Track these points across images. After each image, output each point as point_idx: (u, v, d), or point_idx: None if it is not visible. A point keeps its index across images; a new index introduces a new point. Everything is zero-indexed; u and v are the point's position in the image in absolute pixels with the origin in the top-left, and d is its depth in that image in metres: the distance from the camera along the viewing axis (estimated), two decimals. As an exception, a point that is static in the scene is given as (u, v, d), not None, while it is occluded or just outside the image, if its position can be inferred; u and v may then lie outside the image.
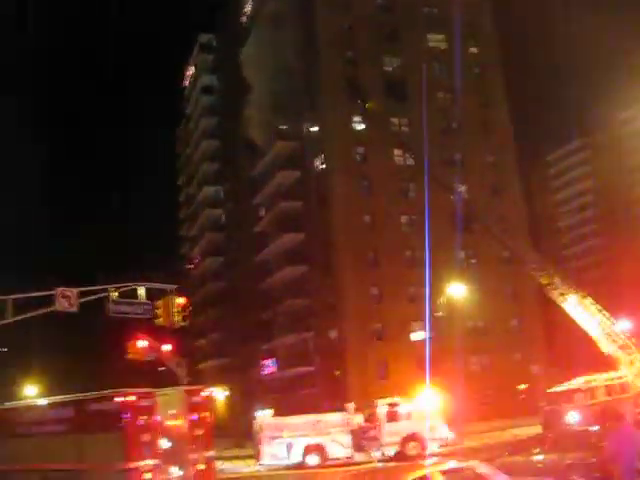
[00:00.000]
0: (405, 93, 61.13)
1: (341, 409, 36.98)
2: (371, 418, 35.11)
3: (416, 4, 63.84)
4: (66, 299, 23.79)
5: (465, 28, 64.03)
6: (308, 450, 33.72)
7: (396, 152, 59.19)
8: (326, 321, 58.08)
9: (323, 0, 61.82)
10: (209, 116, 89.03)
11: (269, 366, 66.31)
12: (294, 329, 61.80)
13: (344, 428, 34.51)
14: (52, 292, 23.76)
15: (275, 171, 65.09)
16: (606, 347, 35.56)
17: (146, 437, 19.35)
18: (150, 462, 19.18)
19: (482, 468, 12.62)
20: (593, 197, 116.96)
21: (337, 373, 56.64)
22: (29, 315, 23.78)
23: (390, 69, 62.18)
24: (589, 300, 35.98)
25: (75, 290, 24.25)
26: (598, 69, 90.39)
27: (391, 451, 34.10)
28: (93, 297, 25.62)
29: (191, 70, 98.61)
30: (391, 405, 35.20)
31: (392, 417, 34.59)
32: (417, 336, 55.93)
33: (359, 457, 34.06)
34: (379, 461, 33.65)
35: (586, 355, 39.28)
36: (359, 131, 59.42)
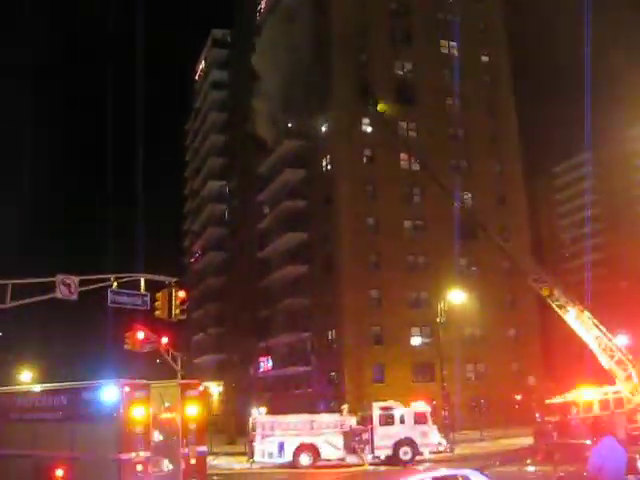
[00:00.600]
0: (415, 98, 61.19)
1: (335, 410, 36.96)
2: (365, 421, 35.06)
3: (431, 10, 63.80)
4: (66, 287, 23.74)
5: (478, 36, 64.37)
6: (300, 450, 33.65)
7: (402, 157, 59.18)
8: (325, 322, 58.09)
9: (337, 0, 61.80)
10: (218, 111, 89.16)
11: (265, 364, 66.31)
12: (292, 328, 61.82)
13: (337, 429, 34.43)
14: (53, 279, 23.72)
15: (281, 169, 65.14)
16: (604, 361, 35.54)
17: (139, 429, 19.31)
18: (142, 454, 19.14)
19: (475, 476, 12.55)
20: (597, 211, 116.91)
21: (333, 374, 56.67)
22: (28, 301, 23.76)
23: (401, 73, 62.19)
24: (587, 314, 35.93)
25: (76, 278, 24.20)
26: (608, 85, 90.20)
27: (383, 455, 34.08)
28: (94, 286, 25.60)
29: (202, 64, 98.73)
30: (385, 409, 35.17)
31: (386, 421, 34.54)
32: (415, 341, 56.01)
33: (351, 459, 33.96)
34: (371, 464, 33.62)
35: (585, 368, 39.24)
36: (367, 133, 59.40)
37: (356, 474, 26.86)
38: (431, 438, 34.64)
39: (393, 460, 33.32)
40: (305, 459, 33.67)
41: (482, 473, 13.05)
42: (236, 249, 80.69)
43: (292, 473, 32.63)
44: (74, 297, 24.12)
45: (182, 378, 30.77)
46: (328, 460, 33.95)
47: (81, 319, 73.72)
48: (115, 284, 25.62)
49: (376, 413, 34.72)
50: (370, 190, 58.78)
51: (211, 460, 28.84)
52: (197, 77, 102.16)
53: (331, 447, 34.02)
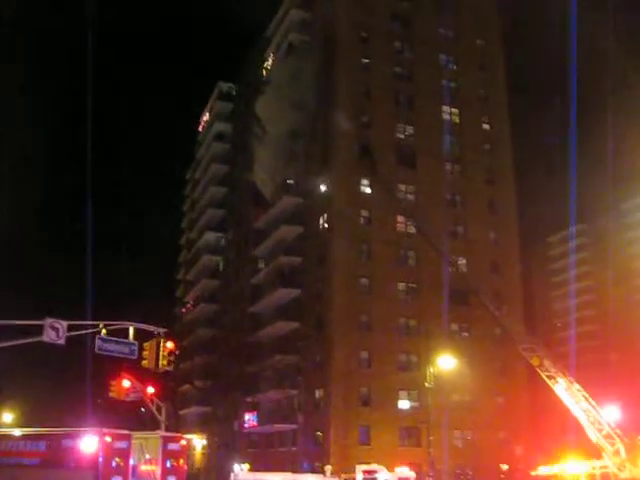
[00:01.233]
0: (415, 161, 61.71)
1: (319, 471, 36.47)
2: (347, 483, 34.65)
3: (434, 75, 64.81)
4: (54, 331, 23.64)
5: (480, 104, 65.30)
6: (281, 508, 33.22)
7: (399, 219, 59.43)
8: (313, 380, 57.66)
9: (342, 62, 62.73)
10: (220, 163, 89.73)
11: (251, 420, 65.53)
12: (280, 385, 61.30)
13: (320, 490, 34.03)
14: (41, 322, 23.62)
15: (278, 225, 65.30)
16: (591, 435, 35.31)
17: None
18: (120, 505, 18.91)
19: None
20: (590, 282, 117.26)
21: (319, 434, 56.01)
22: (14, 343, 23.62)
23: (402, 136, 62.79)
24: (577, 386, 35.85)
25: (65, 323, 24.11)
26: (605, 161, 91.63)
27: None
28: (82, 332, 25.50)
29: (207, 116, 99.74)
30: (369, 472, 34.83)
31: (369, 484, 34.14)
32: (403, 404, 55.53)
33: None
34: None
35: (572, 440, 38.96)
36: (365, 194, 59.76)
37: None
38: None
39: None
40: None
41: None
42: (228, 302, 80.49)
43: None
44: (61, 341, 24.00)
45: (165, 429, 30.49)
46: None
47: (66, 363, 73.10)
48: (104, 331, 25.52)
49: (359, 476, 34.35)
50: (365, 250, 58.87)
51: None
52: (201, 128, 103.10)
53: (312, 507, 33.59)
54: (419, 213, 54.71)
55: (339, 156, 60.13)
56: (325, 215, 60.51)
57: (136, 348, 26.38)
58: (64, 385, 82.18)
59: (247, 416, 66.16)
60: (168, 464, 20.44)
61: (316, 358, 57.60)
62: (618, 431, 35.30)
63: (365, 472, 34.67)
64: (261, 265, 70.07)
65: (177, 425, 78.16)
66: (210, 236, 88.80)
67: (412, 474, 35.93)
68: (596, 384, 44.34)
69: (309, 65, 63.36)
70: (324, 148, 61.63)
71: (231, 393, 71.36)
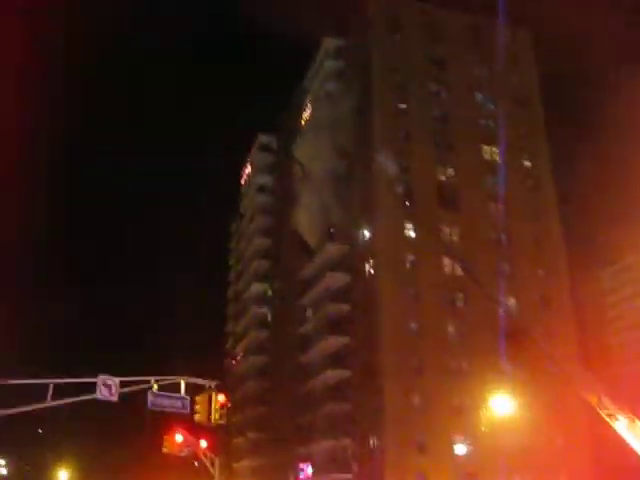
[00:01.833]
0: (458, 203, 61.54)
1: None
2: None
3: (472, 116, 64.95)
4: (107, 388, 23.79)
5: (519, 141, 65.03)
6: None
7: (445, 261, 59.06)
8: (367, 428, 57.00)
9: (379, 108, 63.15)
10: (263, 215, 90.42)
11: (305, 470, 64.89)
12: (333, 434, 60.74)
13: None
14: (94, 379, 23.81)
15: (324, 273, 65.32)
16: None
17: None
18: None
19: None
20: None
21: (375, 483, 55.18)
22: (69, 401, 23.80)
23: (444, 178, 62.73)
24: (639, 423, 34.79)
25: (117, 379, 24.26)
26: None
27: None
28: (134, 388, 25.60)
29: (249, 168, 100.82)
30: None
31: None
32: (460, 449, 54.53)
33: None
34: None
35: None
36: (410, 238, 59.63)
37: None
38: None
39: None
40: None
41: None
42: (278, 352, 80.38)
43: None
44: (114, 398, 24.11)
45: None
46: None
47: (120, 419, 73.45)
48: (155, 386, 25.58)
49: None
50: (413, 294, 58.46)
51: None
52: (243, 181, 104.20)
53: None
54: (465, 254, 54.36)
55: (381, 201, 60.21)
56: (371, 261, 60.38)
57: (188, 402, 26.38)
58: (118, 441, 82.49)
59: (301, 467, 65.55)
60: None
61: (368, 405, 57.00)
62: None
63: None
64: (309, 314, 69.98)
65: (231, 478, 77.71)
66: (257, 287, 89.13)
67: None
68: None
69: (347, 112, 63.97)
70: (366, 194, 61.81)
71: (284, 444, 70.84)
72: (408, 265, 59.28)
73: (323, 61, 71.58)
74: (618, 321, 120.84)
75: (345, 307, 63.07)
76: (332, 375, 62.48)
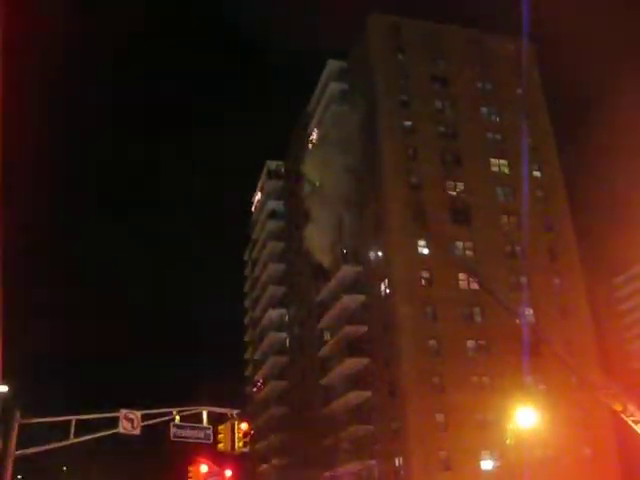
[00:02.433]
0: (469, 217, 61.55)
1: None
2: None
3: (479, 130, 65.16)
4: (129, 422, 23.84)
5: (528, 153, 64.93)
6: None
7: (461, 276, 58.97)
8: (391, 448, 56.70)
9: (386, 128, 63.44)
10: (276, 240, 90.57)
11: (332, 494, 64.50)
12: (358, 456, 60.40)
13: None
14: (116, 414, 23.88)
15: (340, 295, 65.31)
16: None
17: None
18: None
19: None
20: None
21: (403, 503, 54.77)
22: (92, 437, 23.85)
23: (454, 193, 62.77)
24: (666, 429, 34.45)
25: (139, 413, 24.32)
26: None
27: None
28: (156, 420, 25.63)
29: (259, 195, 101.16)
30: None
31: None
32: (486, 465, 54.08)
33: None
34: None
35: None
36: (424, 255, 59.59)
37: None
38: None
39: None
40: None
41: None
42: (298, 377, 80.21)
43: None
44: (136, 432, 24.16)
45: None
46: None
47: (144, 452, 73.37)
48: (177, 417, 25.61)
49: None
50: (430, 312, 58.32)
51: None
52: (254, 208, 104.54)
53: None
54: (480, 268, 54.27)
55: (393, 220, 60.29)
56: (386, 280, 60.33)
57: (211, 432, 26.38)
58: (143, 474, 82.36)
59: (328, 491, 65.18)
60: None
61: (391, 425, 56.75)
62: None
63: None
64: (327, 337, 69.89)
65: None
66: (273, 313, 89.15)
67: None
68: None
69: (353, 133, 64.25)
70: (377, 213, 61.91)
71: (309, 469, 70.42)
72: (423, 282, 59.18)
73: (327, 83, 72.04)
74: (634, 328, 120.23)
75: (362, 328, 62.98)
76: (353, 397, 62.29)
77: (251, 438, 29.71)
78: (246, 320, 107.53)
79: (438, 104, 65.76)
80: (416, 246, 59.79)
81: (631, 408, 35.16)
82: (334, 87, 70.92)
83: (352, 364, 62.77)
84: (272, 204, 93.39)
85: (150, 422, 25.21)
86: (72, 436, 22.87)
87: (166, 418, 25.65)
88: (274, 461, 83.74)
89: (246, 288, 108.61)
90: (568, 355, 43.15)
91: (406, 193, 60.91)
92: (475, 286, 55.95)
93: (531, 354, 53.28)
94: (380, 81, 65.13)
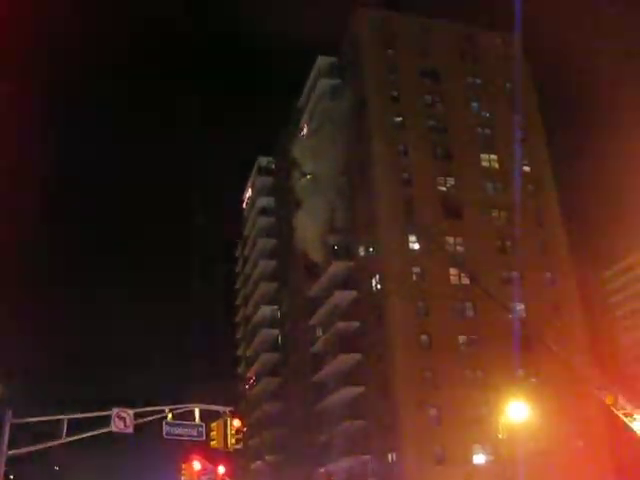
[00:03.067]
0: (460, 212, 61.59)
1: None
2: None
3: (469, 125, 65.21)
4: (122, 420, 23.81)
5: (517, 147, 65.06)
6: None
7: (452, 271, 59.06)
8: (384, 443, 56.78)
9: (376, 123, 63.41)
10: (267, 237, 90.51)
11: (326, 490, 64.54)
12: (351, 451, 60.47)
13: None
14: (108, 413, 23.83)
15: (331, 291, 65.33)
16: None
17: None
18: None
19: None
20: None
21: (396, 498, 54.86)
22: (84, 436, 23.80)
23: (444, 189, 62.80)
24: (657, 421, 34.64)
25: (131, 411, 24.29)
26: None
27: None
28: (148, 418, 25.60)
29: (249, 192, 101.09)
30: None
31: None
32: (479, 459, 54.23)
33: None
34: None
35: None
36: (415, 250, 59.63)
37: None
38: None
39: None
40: None
41: None
42: (290, 373, 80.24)
43: None
44: (129, 430, 24.14)
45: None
46: None
47: (136, 450, 73.20)
48: (170, 415, 25.59)
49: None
50: (422, 307, 58.35)
51: None
52: (245, 205, 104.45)
53: None
54: (471, 263, 54.38)
55: (383, 216, 60.29)
56: (377, 276, 60.38)
57: (203, 430, 26.39)
58: (136, 473, 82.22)
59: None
60: None
61: (385, 420, 56.78)
62: None
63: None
64: (319, 333, 69.90)
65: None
66: (265, 310, 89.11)
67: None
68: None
69: (343, 130, 64.27)
70: (367, 209, 61.89)
71: (303, 464, 70.52)
72: (414, 278, 59.22)
73: (317, 79, 71.93)
74: (624, 320, 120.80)
75: (355, 324, 63.00)
76: (346, 392, 62.32)
77: (244, 435, 29.74)
78: (238, 318, 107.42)
79: (428, 99, 65.75)
80: (407, 241, 59.82)
81: (622, 401, 35.37)
82: (324, 83, 70.84)
83: (345, 360, 62.79)
84: (263, 201, 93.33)
85: (143, 420, 25.18)
86: (64, 435, 22.82)
87: (159, 416, 25.63)
88: (268, 458, 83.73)
89: (238, 285, 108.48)
90: (561, 349, 43.36)
91: (397, 188, 60.90)
92: (466, 281, 56.15)
93: (523, 348, 53.43)
94: (370, 77, 65.10)
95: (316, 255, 66.39)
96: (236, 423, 27.08)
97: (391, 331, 57.31)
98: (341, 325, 63.98)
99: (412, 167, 62.33)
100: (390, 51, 66.49)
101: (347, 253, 65.24)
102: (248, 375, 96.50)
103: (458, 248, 60.32)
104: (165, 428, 25.39)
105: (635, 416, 34.70)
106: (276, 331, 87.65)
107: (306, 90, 75.78)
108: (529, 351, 53.76)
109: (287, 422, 79.90)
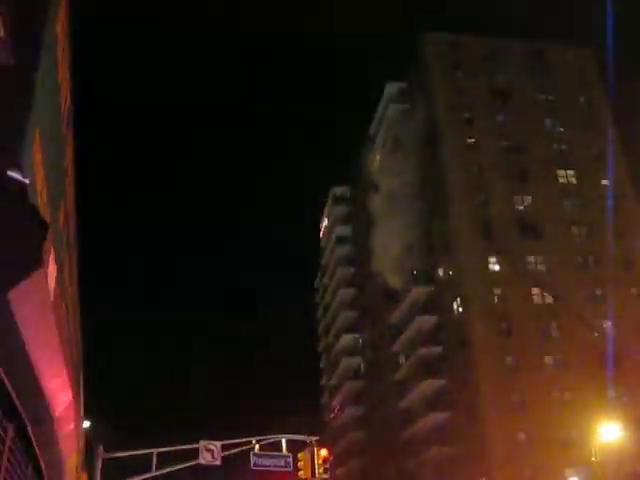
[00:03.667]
0: (539, 231, 60.66)
1: None
2: None
3: (543, 142, 64.39)
4: (209, 452, 24.09)
5: (594, 161, 63.98)
6: None
7: (534, 291, 58.07)
8: (474, 470, 55.71)
9: (449, 145, 63.19)
10: (345, 265, 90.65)
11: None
12: (440, 479, 59.59)
13: None
14: (196, 445, 24.15)
15: (412, 317, 64.93)
16: None
17: None
18: None
19: None
20: None
21: (489, 526, 53.72)
22: (173, 469, 24.14)
23: (522, 208, 62.01)
24: None
25: (218, 443, 24.55)
26: None
27: None
28: (236, 450, 25.82)
29: (326, 221, 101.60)
30: None
31: None
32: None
33: None
34: None
35: None
36: (496, 272, 58.92)
37: None
38: None
39: None
40: None
41: None
42: (375, 401, 79.78)
43: None
44: (217, 462, 24.38)
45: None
46: None
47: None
48: (257, 446, 25.77)
49: None
50: (505, 328, 57.46)
51: None
52: (322, 234, 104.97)
53: None
54: (553, 282, 53.39)
55: (461, 238, 59.83)
56: (458, 299, 59.78)
57: (291, 460, 26.46)
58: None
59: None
60: None
61: (473, 446, 55.83)
62: None
63: None
64: (401, 360, 69.46)
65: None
66: (347, 338, 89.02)
67: None
68: None
69: (416, 155, 64.27)
70: (445, 232, 61.52)
71: (392, 494, 69.82)
72: (496, 299, 58.44)
73: (387, 106, 72.22)
74: None
75: (437, 349, 62.38)
76: (432, 418, 61.56)
77: (330, 464, 29.66)
78: (319, 347, 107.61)
79: (500, 119, 65.27)
80: (487, 263, 59.18)
81: None
82: (394, 108, 71.13)
83: (429, 385, 62.15)
84: (339, 229, 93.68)
85: (230, 452, 25.40)
86: (154, 468, 23.20)
87: (245, 447, 25.83)
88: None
89: (318, 315, 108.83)
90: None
91: (473, 210, 60.44)
92: (550, 300, 55.07)
93: (611, 366, 52.00)
94: (440, 99, 65.05)
95: (395, 281, 66.23)
96: (323, 452, 27.09)
97: (475, 354, 56.49)
98: (423, 351, 63.43)
99: (488, 187, 61.80)
100: (459, 72, 66.38)
101: (426, 278, 64.83)
102: (332, 404, 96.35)
103: (539, 267, 59.34)
104: (253, 459, 25.58)
105: None
106: (358, 359, 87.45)
107: (377, 117, 76.15)
108: (618, 369, 52.32)
109: (373, 450, 79.29)
